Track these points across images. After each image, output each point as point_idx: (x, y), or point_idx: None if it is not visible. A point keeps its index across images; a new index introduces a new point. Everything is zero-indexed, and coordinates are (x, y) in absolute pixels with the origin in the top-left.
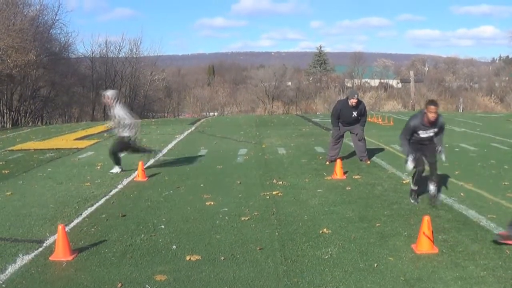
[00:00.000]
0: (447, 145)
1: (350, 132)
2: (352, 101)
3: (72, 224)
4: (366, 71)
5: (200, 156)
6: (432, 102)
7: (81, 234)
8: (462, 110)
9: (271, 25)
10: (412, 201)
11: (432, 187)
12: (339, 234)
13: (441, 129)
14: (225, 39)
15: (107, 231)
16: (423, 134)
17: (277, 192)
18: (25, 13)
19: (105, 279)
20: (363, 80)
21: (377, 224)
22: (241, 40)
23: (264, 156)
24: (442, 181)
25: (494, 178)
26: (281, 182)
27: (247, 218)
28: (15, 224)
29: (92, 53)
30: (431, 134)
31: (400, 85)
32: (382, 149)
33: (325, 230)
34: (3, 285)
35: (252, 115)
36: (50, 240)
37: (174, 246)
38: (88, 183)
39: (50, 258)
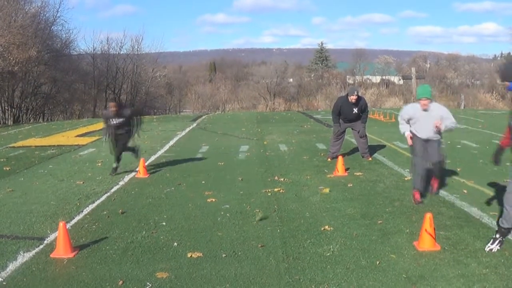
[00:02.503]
0: (449, 142)
1: (352, 129)
2: (352, 98)
3: (73, 221)
4: (367, 68)
5: (201, 153)
6: (112, 100)
7: (82, 231)
8: (464, 107)
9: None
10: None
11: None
12: (340, 231)
13: (133, 113)
14: (227, 36)
15: (108, 228)
16: (113, 121)
17: (279, 189)
18: (26, 10)
19: (106, 276)
20: (365, 77)
21: (379, 221)
22: (242, 37)
23: (266, 153)
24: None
25: (496, 175)
26: (282, 179)
27: (248, 215)
28: (16, 221)
29: (94, 50)
30: (115, 122)
31: (401, 82)
32: (383, 146)
33: (326, 227)
34: (4, 283)
35: (253, 111)
36: (51, 237)
37: (175, 243)
38: (89, 180)
39: (51, 255)
